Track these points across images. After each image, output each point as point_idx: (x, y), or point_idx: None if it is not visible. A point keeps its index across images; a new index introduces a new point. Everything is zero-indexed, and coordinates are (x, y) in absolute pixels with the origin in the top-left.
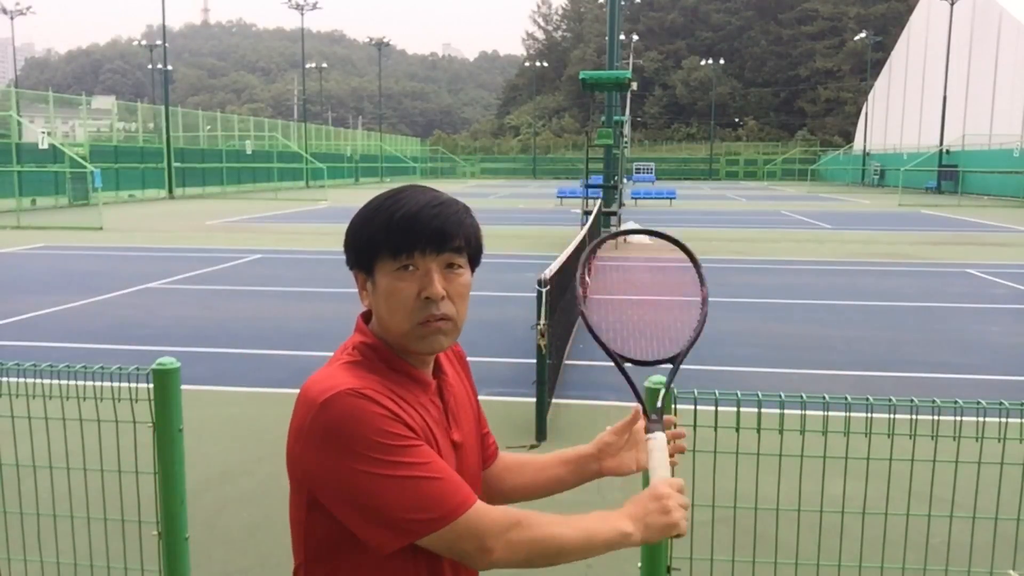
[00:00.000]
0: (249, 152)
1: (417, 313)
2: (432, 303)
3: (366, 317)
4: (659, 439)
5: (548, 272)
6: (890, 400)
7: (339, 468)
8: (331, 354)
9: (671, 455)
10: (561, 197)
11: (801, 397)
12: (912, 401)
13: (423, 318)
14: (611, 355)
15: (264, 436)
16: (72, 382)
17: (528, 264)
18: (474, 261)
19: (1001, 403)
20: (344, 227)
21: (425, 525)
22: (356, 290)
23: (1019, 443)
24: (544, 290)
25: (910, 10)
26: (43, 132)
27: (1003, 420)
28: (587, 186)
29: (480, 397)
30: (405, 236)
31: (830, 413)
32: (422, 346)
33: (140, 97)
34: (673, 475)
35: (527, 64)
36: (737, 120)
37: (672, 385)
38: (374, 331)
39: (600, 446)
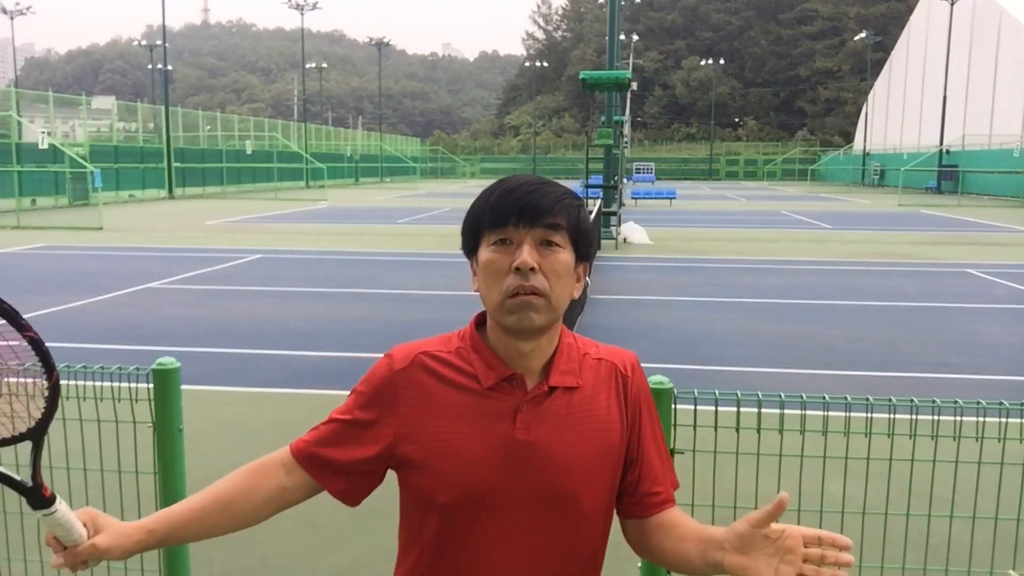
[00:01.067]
0: (249, 152)
1: (508, 284)
2: (523, 274)
3: (481, 316)
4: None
5: None
6: (890, 400)
7: None
8: (331, 354)
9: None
10: None
11: (801, 397)
12: (912, 401)
13: (513, 289)
14: None
15: (264, 436)
16: (72, 382)
17: None
18: (578, 246)
19: (1001, 403)
20: (344, 227)
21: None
22: (354, 291)
23: (1019, 443)
24: None
25: (910, 10)
26: (43, 132)
27: (1003, 420)
28: (587, 186)
29: None
30: (500, 211)
31: (830, 413)
32: (511, 320)
33: (140, 97)
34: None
35: (527, 64)
36: (737, 120)
37: None
38: (486, 325)
39: (731, 535)
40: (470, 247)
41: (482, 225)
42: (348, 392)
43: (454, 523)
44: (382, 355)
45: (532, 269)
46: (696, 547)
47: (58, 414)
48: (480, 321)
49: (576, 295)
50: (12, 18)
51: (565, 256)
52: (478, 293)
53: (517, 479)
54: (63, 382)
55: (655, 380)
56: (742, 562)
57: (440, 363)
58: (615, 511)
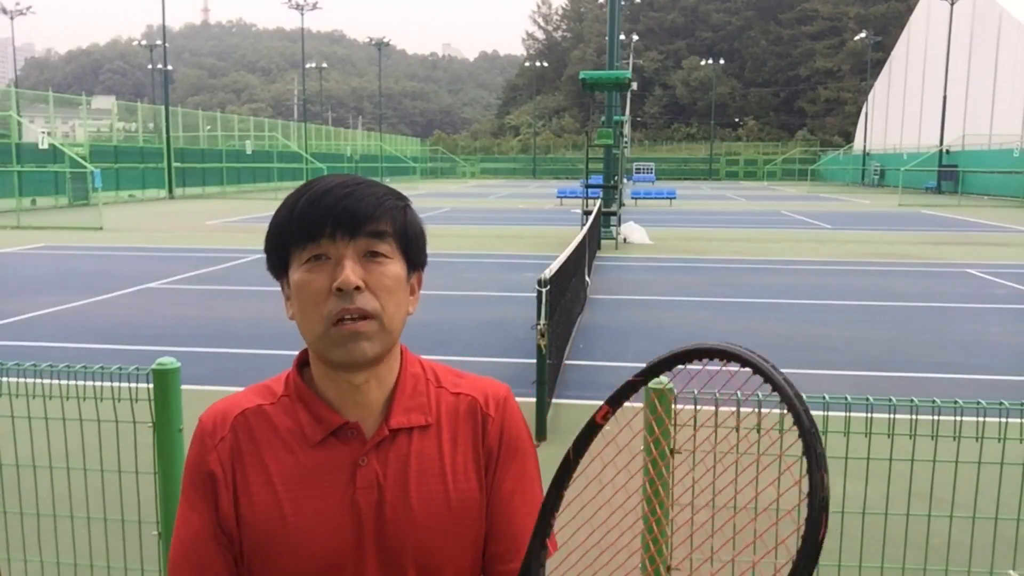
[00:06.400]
0: (249, 152)
1: (330, 308)
2: (346, 295)
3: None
4: None
5: (548, 272)
6: (890, 400)
7: None
8: None
9: None
10: (561, 197)
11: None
12: (912, 401)
13: (337, 314)
14: None
15: None
16: (72, 382)
17: (528, 264)
18: (408, 254)
19: (1001, 403)
20: None
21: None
22: None
23: (1019, 443)
24: (544, 290)
25: (910, 10)
26: (43, 132)
27: (1003, 420)
28: (587, 186)
29: None
30: (311, 221)
31: (830, 413)
32: (338, 354)
33: (140, 97)
34: None
35: (527, 64)
36: (737, 120)
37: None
38: (311, 360)
39: None
40: (277, 267)
41: (289, 239)
42: None
43: None
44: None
45: (357, 288)
46: None
47: (58, 414)
48: (303, 360)
49: (412, 310)
50: (12, 18)
51: (394, 268)
52: (293, 321)
53: (369, 551)
54: (63, 382)
55: (655, 380)
56: None
57: (261, 421)
58: None
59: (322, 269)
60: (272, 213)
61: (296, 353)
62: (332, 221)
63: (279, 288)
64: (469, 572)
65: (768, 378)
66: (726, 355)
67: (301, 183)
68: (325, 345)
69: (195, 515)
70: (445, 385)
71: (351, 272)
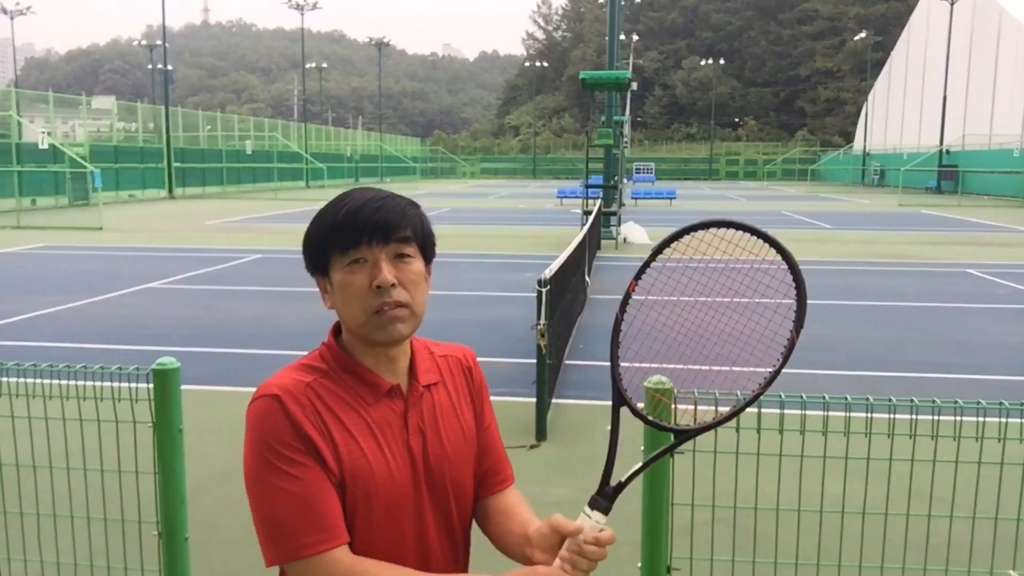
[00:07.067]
0: (249, 152)
1: (371, 302)
2: (384, 291)
3: (338, 326)
4: (591, 521)
5: (548, 272)
6: (890, 400)
7: (246, 464)
8: None
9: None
10: (561, 197)
11: (801, 397)
12: (912, 401)
13: (377, 307)
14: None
15: None
16: (72, 382)
17: (528, 264)
18: (425, 251)
19: (1001, 403)
20: None
21: (277, 552)
22: None
23: (1019, 443)
24: (544, 290)
25: (910, 10)
26: (43, 132)
27: (1003, 420)
28: (587, 186)
29: None
30: (351, 231)
31: (830, 413)
32: (381, 335)
33: (140, 97)
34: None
35: (527, 64)
36: (737, 120)
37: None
38: (342, 337)
39: (539, 537)
40: (317, 267)
41: (330, 247)
42: None
43: (373, 532)
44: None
45: (393, 285)
46: (518, 539)
47: (58, 414)
48: (336, 335)
49: (427, 293)
50: (12, 18)
51: (418, 265)
52: (332, 310)
53: (422, 481)
54: (63, 382)
55: (655, 380)
56: (540, 558)
57: (324, 389)
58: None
59: (362, 270)
60: (273, 213)
61: (303, 353)
62: (368, 231)
63: (279, 288)
64: (472, 483)
65: (770, 241)
66: (731, 224)
67: (301, 183)
68: (368, 329)
69: (299, 472)
70: (434, 351)
71: (387, 273)
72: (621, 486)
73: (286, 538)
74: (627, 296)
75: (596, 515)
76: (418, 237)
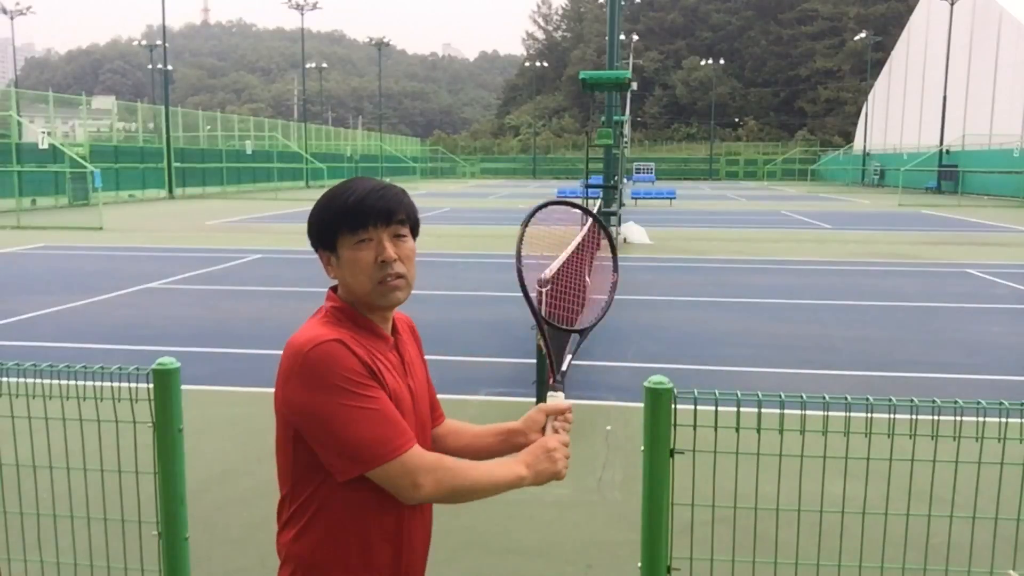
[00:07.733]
0: (249, 152)
1: (376, 274)
2: (387, 265)
3: (335, 289)
4: (559, 399)
5: (548, 272)
6: (890, 400)
7: (318, 401)
8: None
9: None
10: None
11: (801, 397)
12: (912, 401)
13: (381, 278)
14: (538, 318)
15: (264, 436)
16: (72, 382)
17: (528, 264)
18: (414, 230)
19: (1001, 403)
20: None
21: (373, 459)
22: None
23: (1019, 443)
24: (544, 290)
25: (910, 10)
26: (43, 132)
27: (1003, 420)
28: (587, 186)
29: (480, 397)
30: (359, 215)
31: (830, 413)
32: (384, 301)
33: (140, 97)
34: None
35: (527, 64)
36: (737, 120)
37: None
38: (342, 297)
39: (528, 423)
40: (324, 243)
41: (340, 227)
42: None
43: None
44: (322, 346)
45: (394, 260)
46: (496, 439)
47: (58, 414)
48: (339, 306)
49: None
50: (12, 18)
51: (411, 243)
52: (335, 279)
53: (415, 413)
54: (63, 382)
55: (655, 380)
56: (536, 439)
57: (354, 340)
58: None
59: (368, 248)
60: (273, 213)
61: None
62: (374, 215)
63: (279, 288)
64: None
65: (583, 209)
66: (565, 203)
67: (300, 183)
68: (374, 297)
69: (376, 394)
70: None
71: (391, 250)
72: (564, 374)
73: (381, 444)
74: (521, 241)
75: (559, 395)
76: (411, 220)
